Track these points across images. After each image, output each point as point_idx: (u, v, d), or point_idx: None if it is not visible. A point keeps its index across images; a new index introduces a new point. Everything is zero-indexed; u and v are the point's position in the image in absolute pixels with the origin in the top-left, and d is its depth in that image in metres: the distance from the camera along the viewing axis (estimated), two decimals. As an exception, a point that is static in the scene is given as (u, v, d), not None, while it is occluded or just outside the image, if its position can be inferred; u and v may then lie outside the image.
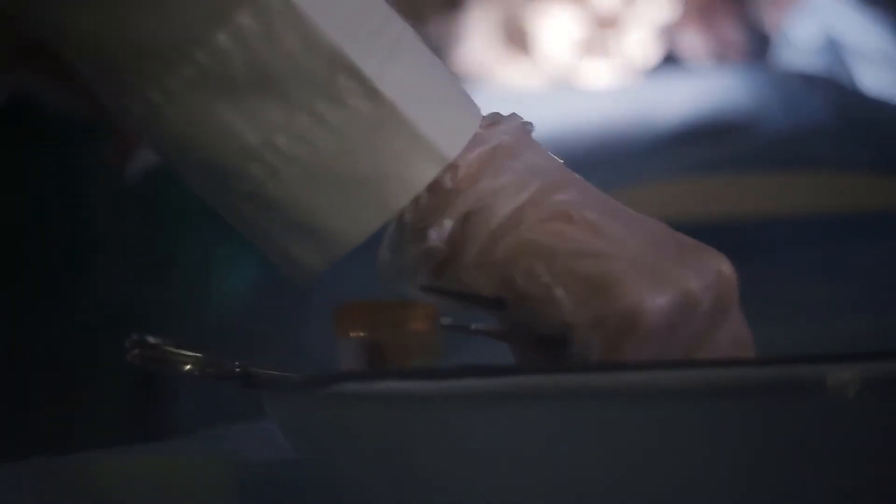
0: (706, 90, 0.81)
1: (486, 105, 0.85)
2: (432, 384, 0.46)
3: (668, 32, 1.00)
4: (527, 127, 0.51)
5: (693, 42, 1.02)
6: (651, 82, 0.84)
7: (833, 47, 0.82)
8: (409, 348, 0.59)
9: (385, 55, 0.50)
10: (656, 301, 0.48)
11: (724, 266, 0.50)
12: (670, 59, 1.04)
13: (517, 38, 1.00)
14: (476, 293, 0.54)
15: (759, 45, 1.03)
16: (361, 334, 0.59)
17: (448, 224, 0.51)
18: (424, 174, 0.50)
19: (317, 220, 0.53)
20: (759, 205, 0.71)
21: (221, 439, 0.57)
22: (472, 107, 0.51)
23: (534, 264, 0.50)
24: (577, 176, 0.51)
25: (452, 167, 0.50)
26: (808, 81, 0.79)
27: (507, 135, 0.50)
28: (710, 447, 0.43)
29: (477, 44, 0.99)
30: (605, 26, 0.95)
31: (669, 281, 0.49)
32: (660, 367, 0.43)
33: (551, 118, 0.83)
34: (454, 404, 0.45)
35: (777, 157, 0.73)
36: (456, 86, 0.52)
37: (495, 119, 0.51)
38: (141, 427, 0.84)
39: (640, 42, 0.94)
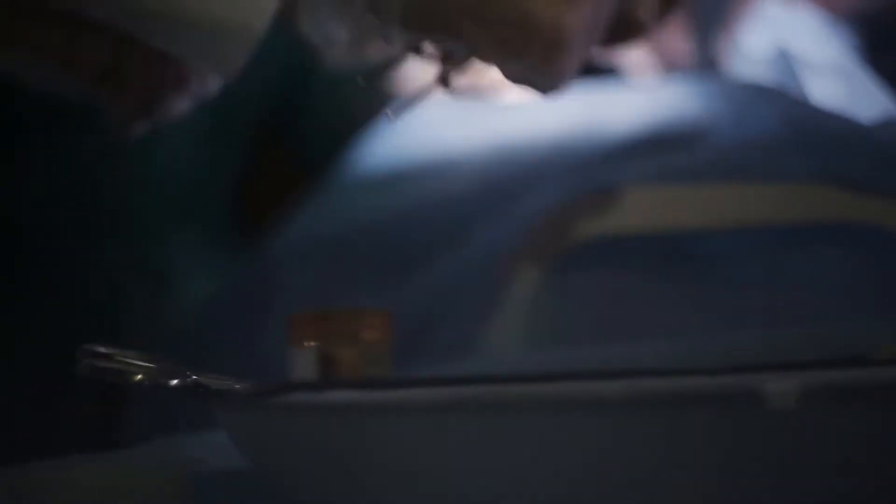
0: (657, 101, 0.82)
1: (439, 118, 0.86)
2: (383, 395, 0.46)
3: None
4: None
5: (645, 55, 1.02)
6: (602, 93, 0.85)
7: (784, 59, 0.83)
8: (361, 358, 0.59)
9: None
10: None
11: None
12: (621, 70, 1.05)
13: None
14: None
15: (710, 56, 1.04)
16: (313, 344, 0.60)
17: None
18: None
19: (222, 18, 0.59)
20: (710, 215, 0.72)
21: (174, 448, 0.57)
22: None
23: None
24: None
25: None
26: (759, 93, 0.80)
27: None
28: (651, 458, 0.43)
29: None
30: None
31: None
32: (600, 377, 0.43)
33: (503, 129, 0.84)
34: (405, 415, 0.46)
35: (727, 167, 0.74)
36: None
37: None
38: (94, 437, 0.84)
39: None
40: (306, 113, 1.11)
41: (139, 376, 0.50)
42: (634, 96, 0.83)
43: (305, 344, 0.60)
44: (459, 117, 0.85)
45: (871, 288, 0.72)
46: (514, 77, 0.65)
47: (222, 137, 1.16)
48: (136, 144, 1.05)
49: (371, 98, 1.03)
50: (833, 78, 0.83)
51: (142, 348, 0.52)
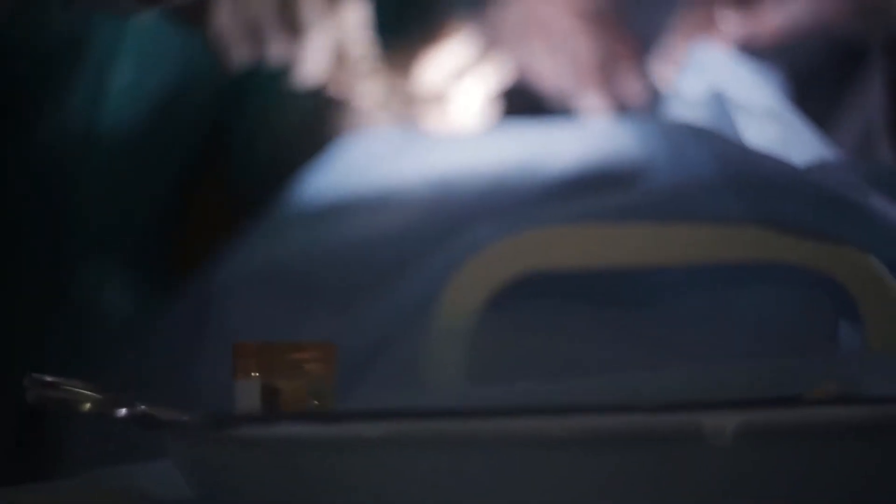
0: (595, 139, 0.83)
1: (380, 151, 0.87)
2: (328, 428, 0.47)
3: (563, 85, 1.02)
4: None
5: (590, 96, 1.04)
6: (541, 130, 0.86)
7: (718, 102, 0.84)
8: (305, 391, 0.60)
9: None
10: None
11: None
12: (559, 108, 1.07)
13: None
14: None
15: (647, 97, 1.05)
16: (257, 375, 0.60)
17: None
18: None
19: None
20: (647, 254, 0.73)
21: (119, 478, 0.57)
22: None
23: None
24: None
25: None
26: (695, 134, 0.81)
27: None
28: (588, 492, 0.44)
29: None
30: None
31: None
32: (544, 413, 0.44)
33: (443, 162, 0.85)
34: (350, 448, 0.46)
35: (664, 207, 0.75)
36: None
37: None
38: (32, 467, 0.84)
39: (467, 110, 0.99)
40: (241, 139, 1.11)
41: (87, 405, 0.50)
42: (573, 134, 0.84)
43: (249, 375, 0.60)
44: (400, 150, 0.86)
45: (804, 328, 0.74)
46: None
47: (152, 163, 1.16)
48: (60, 169, 1.05)
49: (308, 125, 1.03)
50: (766, 121, 0.85)
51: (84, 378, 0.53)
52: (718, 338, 0.73)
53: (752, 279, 0.75)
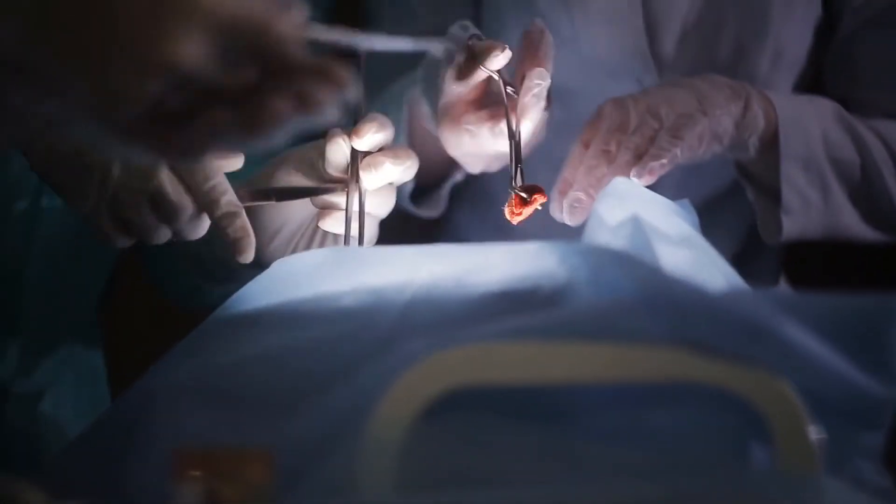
0: (519, 260, 0.86)
1: (314, 263, 0.89)
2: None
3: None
4: None
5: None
6: (468, 249, 0.89)
7: (636, 228, 0.87)
8: (244, 497, 0.62)
9: None
10: None
11: None
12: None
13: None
14: None
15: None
16: (198, 480, 0.62)
17: None
18: None
19: None
20: (568, 371, 0.76)
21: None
22: None
23: None
24: None
25: None
26: (614, 258, 0.84)
27: None
28: None
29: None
30: None
31: None
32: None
33: (375, 277, 0.87)
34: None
35: (585, 326, 0.78)
36: None
37: None
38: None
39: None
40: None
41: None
42: (500, 254, 0.87)
43: (190, 479, 0.62)
44: (335, 263, 0.88)
45: (716, 448, 0.77)
46: None
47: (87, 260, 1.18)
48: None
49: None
50: (681, 248, 0.88)
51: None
52: (634, 454, 0.76)
53: (666, 398, 0.78)
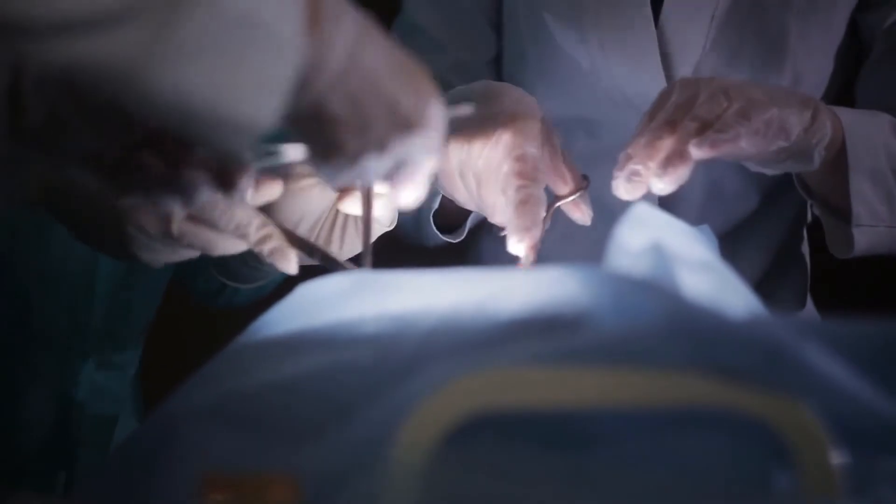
0: (543, 286, 0.86)
1: (338, 289, 0.90)
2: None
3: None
4: None
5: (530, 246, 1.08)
6: (491, 274, 0.89)
7: (658, 254, 0.88)
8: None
9: None
10: None
11: None
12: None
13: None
14: None
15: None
16: (223, 504, 0.62)
17: None
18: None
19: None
20: (593, 396, 0.76)
21: None
22: None
23: None
24: None
25: None
26: (636, 284, 0.84)
27: None
28: None
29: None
30: None
31: None
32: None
33: (397, 303, 0.87)
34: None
35: (608, 352, 0.78)
36: None
37: None
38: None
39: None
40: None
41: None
42: (522, 279, 0.87)
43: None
44: (358, 289, 0.89)
45: (738, 473, 0.77)
46: None
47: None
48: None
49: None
50: (702, 274, 0.88)
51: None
52: (662, 480, 0.76)
53: (689, 424, 0.78)
